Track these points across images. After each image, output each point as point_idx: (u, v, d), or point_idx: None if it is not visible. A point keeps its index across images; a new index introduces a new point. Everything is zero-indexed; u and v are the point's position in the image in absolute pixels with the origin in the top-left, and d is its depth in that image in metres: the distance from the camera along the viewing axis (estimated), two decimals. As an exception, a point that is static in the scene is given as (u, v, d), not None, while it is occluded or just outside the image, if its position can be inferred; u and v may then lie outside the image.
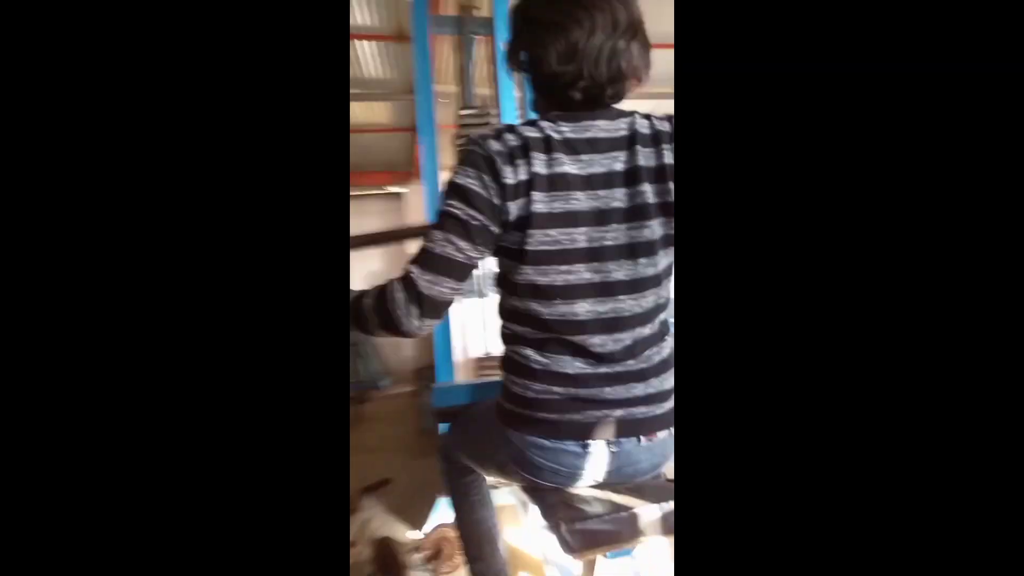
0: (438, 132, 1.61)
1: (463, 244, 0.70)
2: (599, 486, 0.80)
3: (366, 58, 2.93)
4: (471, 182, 0.70)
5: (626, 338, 0.75)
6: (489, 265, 0.78)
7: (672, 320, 0.81)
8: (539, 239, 0.71)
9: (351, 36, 2.64)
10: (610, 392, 0.75)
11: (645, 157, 0.72)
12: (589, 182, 0.72)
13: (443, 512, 1.48)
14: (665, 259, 0.75)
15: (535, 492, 0.82)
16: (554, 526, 0.72)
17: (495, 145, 0.71)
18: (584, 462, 0.76)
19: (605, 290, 0.73)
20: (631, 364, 0.75)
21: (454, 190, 0.71)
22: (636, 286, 0.74)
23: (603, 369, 0.75)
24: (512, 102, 1.69)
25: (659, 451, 0.80)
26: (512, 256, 0.73)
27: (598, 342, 0.74)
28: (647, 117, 0.76)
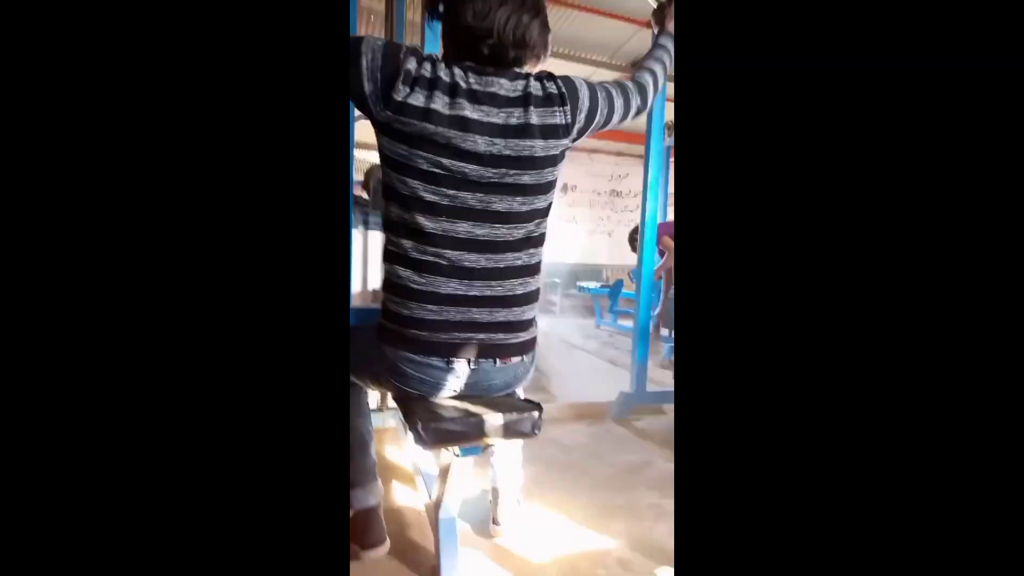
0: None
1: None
2: (458, 397, 0.94)
3: None
4: (366, 60, 0.79)
5: (499, 261, 0.88)
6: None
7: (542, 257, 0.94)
8: (433, 162, 0.81)
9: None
10: (477, 314, 0.88)
11: (539, 116, 0.84)
12: (487, 128, 0.83)
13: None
14: (542, 202, 0.88)
15: (403, 400, 0.95)
16: (413, 425, 0.85)
17: (411, 64, 0.80)
18: (447, 376, 0.90)
19: (485, 217, 0.85)
20: (497, 288, 0.88)
21: (354, 51, 0.79)
22: (511, 218, 0.87)
23: (474, 292, 0.87)
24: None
25: (511, 373, 0.95)
26: (403, 171, 0.83)
27: (472, 258, 0.86)
28: (539, 79, 0.87)
